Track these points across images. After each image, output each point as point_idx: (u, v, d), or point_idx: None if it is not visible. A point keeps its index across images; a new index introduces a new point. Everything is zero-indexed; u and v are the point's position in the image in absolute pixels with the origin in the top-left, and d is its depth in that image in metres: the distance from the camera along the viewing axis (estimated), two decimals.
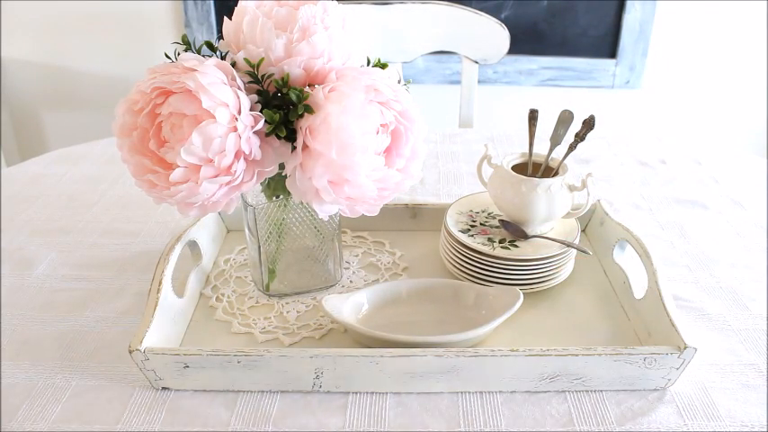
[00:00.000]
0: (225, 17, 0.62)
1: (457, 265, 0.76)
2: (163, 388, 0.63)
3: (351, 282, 0.79)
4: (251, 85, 0.59)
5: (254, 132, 0.57)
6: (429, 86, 1.93)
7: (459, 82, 1.42)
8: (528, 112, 0.80)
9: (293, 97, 0.57)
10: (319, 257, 0.76)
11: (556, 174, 0.77)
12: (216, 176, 0.56)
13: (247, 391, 0.63)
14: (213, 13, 1.85)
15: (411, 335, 0.68)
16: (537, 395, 0.63)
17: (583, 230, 0.87)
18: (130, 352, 0.60)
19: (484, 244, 0.75)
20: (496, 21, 1.29)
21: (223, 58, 0.61)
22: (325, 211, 0.60)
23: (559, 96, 1.94)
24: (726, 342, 0.70)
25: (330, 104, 0.56)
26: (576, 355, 0.60)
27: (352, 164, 0.56)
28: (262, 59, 0.58)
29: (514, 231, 0.77)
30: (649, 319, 0.67)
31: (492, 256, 0.73)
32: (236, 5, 0.61)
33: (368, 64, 0.64)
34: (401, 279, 0.79)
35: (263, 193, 0.70)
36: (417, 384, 0.62)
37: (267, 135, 0.58)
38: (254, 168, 0.59)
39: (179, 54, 0.59)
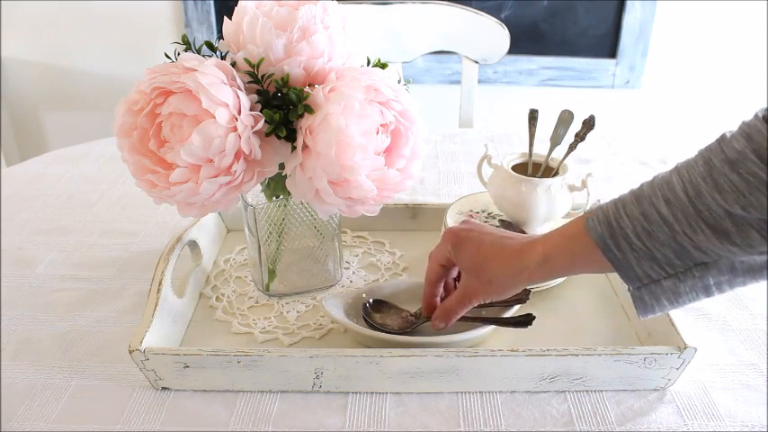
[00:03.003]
0: (225, 17, 0.62)
1: None
2: (163, 388, 0.63)
3: (351, 282, 0.79)
4: (251, 85, 0.59)
5: (254, 132, 0.57)
6: (429, 86, 1.93)
7: (459, 82, 1.42)
8: (528, 112, 0.80)
9: (293, 97, 0.57)
10: (319, 257, 0.76)
11: (556, 174, 0.77)
12: (216, 176, 0.56)
13: (247, 391, 0.63)
14: (213, 13, 1.85)
15: (414, 334, 0.68)
16: (537, 395, 0.63)
17: None
18: (130, 352, 0.60)
19: None
20: (496, 21, 1.29)
21: (223, 58, 0.61)
22: (325, 211, 0.60)
23: (559, 96, 1.94)
24: (726, 342, 0.70)
25: (330, 104, 0.56)
26: (576, 355, 0.60)
27: (351, 164, 0.56)
28: (262, 59, 0.58)
29: (514, 231, 0.77)
30: (649, 319, 0.67)
31: None
32: (236, 5, 0.61)
33: (368, 64, 0.64)
34: (401, 279, 0.79)
35: (263, 193, 0.70)
36: (417, 384, 0.62)
37: (267, 135, 0.58)
38: (254, 168, 0.59)
39: (179, 54, 0.59)
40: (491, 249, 0.58)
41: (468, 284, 0.61)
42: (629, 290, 0.52)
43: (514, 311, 0.68)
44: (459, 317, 0.63)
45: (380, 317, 0.69)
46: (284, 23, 0.59)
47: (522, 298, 0.67)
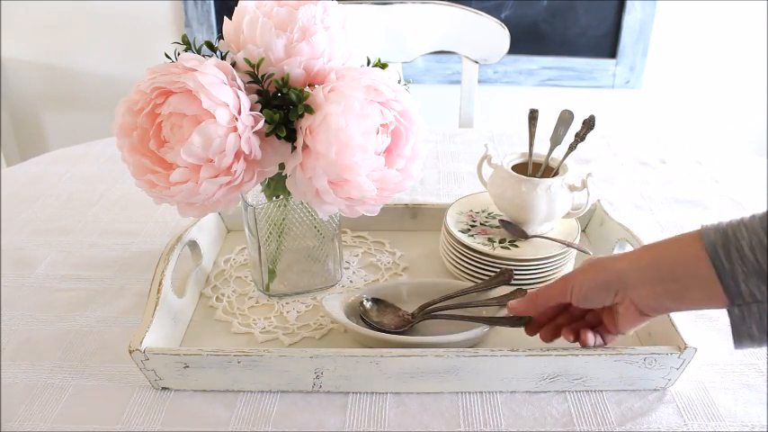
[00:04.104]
0: (225, 17, 0.62)
1: (457, 265, 0.76)
2: (163, 388, 0.63)
3: (351, 282, 0.79)
4: (251, 85, 0.59)
5: (254, 132, 0.57)
6: (429, 86, 1.93)
7: (459, 82, 1.42)
8: (528, 112, 0.80)
9: (293, 97, 0.57)
10: (319, 257, 0.76)
11: (556, 174, 0.77)
12: (216, 176, 0.56)
13: (247, 391, 0.63)
14: (213, 13, 1.85)
15: (413, 335, 0.68)
16: (537, 395, 0.63)
17: (583, 230, 0.87)
18: (130, 352, 0.60)
19: (484, 244, 0.75)
20: (496, 21, 1.29)
21: (223, 58, 0.61)
22: (325, 211, 0.60)
23: (559, 96, 1.94)
24: (726, 342, 0.70)
25: (330, 104, 0.56)
26: (576, 355, 0.60)
27: (351, 164, 0.56)
28: (262, 59, 0.58)
29: (514, 231, 0.77)
30: (654, 320, 0.67)
31: (492, 256, 0.73)
32: (236, 5, 0.61)
33: (368, 64, 0.64)
34: (401, 279, 0.79)
35: (263, 193, 0.70)
36: (417, 384, 0.62)
37: (267, 135, 0.58)
38: (254, 168, 0.59)
39: (179, 54, 0.59)
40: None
41: (569, 275, 0.58)
42: (728, 311, 0.48)
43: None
44: (537, 307, 0.60)
45: (377, 315, 0.69)
46: (284, 23, 0.59)
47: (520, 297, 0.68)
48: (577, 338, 0.60)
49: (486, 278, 0.73)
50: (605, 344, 0.60)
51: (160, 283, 0.67)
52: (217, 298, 0.75)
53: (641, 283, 0.52)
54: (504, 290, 0.70)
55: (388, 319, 0.68)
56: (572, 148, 0.75)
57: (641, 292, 0.52)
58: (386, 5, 1.29)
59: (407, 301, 0.72)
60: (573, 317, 0.61)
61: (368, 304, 0.70)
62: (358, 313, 0.69)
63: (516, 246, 0.75)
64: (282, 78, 0.58)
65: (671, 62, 1.90)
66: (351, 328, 0.66)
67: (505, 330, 0.69)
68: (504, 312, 0.67)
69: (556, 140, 0.78)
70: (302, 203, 0.71)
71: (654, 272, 0.51)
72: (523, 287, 0.70)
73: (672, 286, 0.50)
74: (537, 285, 0.73)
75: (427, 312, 0.69)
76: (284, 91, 0.58)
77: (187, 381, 0.62)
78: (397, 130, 0.60)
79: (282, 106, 0.59)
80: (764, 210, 0.47)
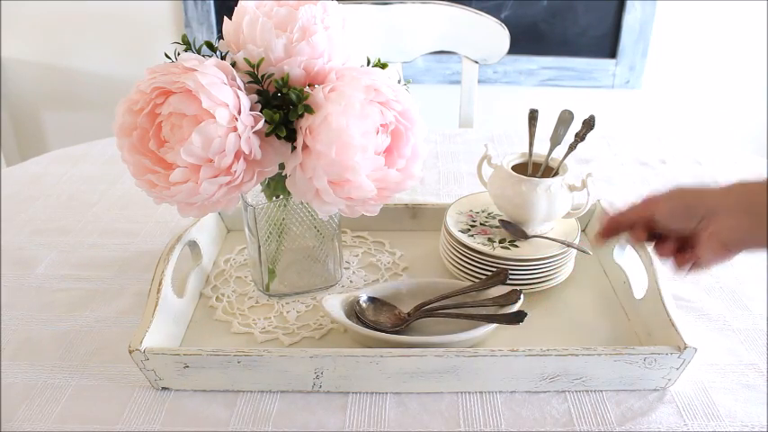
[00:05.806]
0: (225, 17, 0.62)
1: (457, 265, 0.76)
2: (163, 388, 0.63)
3: (351, 282, 0.79)
4: (251, 85, 0.59)
5: (254, 132, 0.57)
6: (429, 86, 1.93)
7: (459, 82, 1.42)
8: (528, 112, 0.80)
9: (293, 97, 0.57)
10: (319, 257, 0.76)
11: (556, 174, 0.77)
12: (216, 176, 0.56)
13: (247, 391, 0.63)
14: (213, 13, 1.85)
15: (411, 335, 0.68)
16: (537, 395, 0.63)
17: (583, 230, 0.87)
18: (130, 352, 0.60)
19: (484, 244, 0.75)
20: (496, 21, 1.29)
21: (223, 58, 0.61)
22: (325, 211, 0.60)
23: (559, 96, 1.94)
24: (726, 342, 0.70)
25: (330, 104, 0.56)
26: (576, 355, 0.60)
27: (352, 164, 0.56)
28: (262, 59, 0.58)
29: (514, 231, 0.77)
30: (649, 319, 0.67)
31: (492, 256, 0.73)
32: (236, 5, 0.61)
33: (368, 64, 0.64)
34: (401, 279, 0.79)
35: (263, 193, 0.70)
36: (417, 384, 0.62)
37: (267, 135, 0.58)
38: (254, 168, 0.59)
39: (179, 54, 0.59)
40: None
41: (654, 196, 0.55)
42: None
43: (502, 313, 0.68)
44: (621, 227, 0.58)
45: (374, 314, 0.69)
46: (284, 23, 0.59)
47: (516, 298, 0.68)
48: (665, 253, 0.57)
49: (484, 278, 0.73)
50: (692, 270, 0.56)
51: (160, 283, 0.67)
52: (217, 298, 0.75)
53: (729, 212, 0.50)
54: (500, 290, 0.70)
55: (385, 318, 0.68)
56: (572, 148, 0.75)
57: (727, 222, 0.50)
58: (386, 5, 1.29)
59: (407, 301, 0.72)
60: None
61: (364, 304, 0.69)
62: (356, 313, 0.69)
63: (516, 246, 0.75)
64: (282, 78, 0.58)
65: (671, 62, 1.90)
66: (350, 327, 0.66)
67: (505, 330, 0.69)
68: (501, 313, 0.67)
69: (556, 140, 0.78)
70: (302, 203, 0.71)
71: (745, 202, 0.49)
72: (520, 288, 0.70)
73: (762, 219, 0.48)
74: (535, 286, 0.74)
75: (424, 312, 0.69)
76: (284, 91, 0.58)
77: (187, 381, 0.62)
78: (397, 130, 0.60)
79: (282, 106, 0.59)
80: None
